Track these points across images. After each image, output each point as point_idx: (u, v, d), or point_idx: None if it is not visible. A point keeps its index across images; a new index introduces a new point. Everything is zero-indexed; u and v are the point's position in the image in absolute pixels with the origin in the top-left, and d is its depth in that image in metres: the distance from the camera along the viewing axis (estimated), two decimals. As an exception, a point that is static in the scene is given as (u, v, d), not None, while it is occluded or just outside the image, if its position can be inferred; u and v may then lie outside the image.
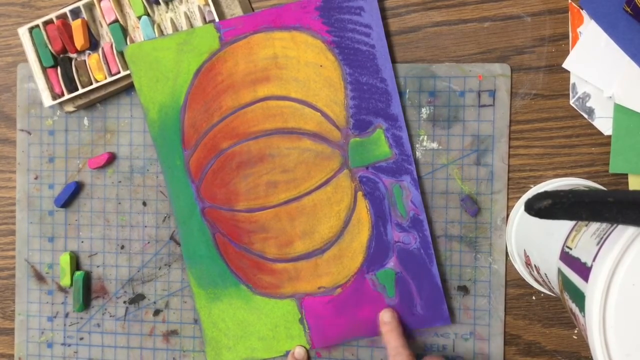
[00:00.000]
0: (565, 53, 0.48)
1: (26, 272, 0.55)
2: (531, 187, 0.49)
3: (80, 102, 0.53)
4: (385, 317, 0.49)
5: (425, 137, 0.50)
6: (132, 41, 0.51)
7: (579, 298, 0.33)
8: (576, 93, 0.48)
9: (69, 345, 0.55)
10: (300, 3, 0.49)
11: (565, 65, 0.48)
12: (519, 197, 0.49)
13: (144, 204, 0.54)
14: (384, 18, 0.50)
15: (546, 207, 0.31)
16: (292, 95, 0.50)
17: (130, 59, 0.51)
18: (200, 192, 0.52)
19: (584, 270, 0.33)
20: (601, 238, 0.33)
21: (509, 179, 0.49)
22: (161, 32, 0.51)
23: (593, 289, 0.31)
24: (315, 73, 0.50)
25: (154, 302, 0.54)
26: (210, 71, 0.51)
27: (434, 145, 0.50)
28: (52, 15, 0.51)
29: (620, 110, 0.47)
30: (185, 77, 0.51)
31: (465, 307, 0.50)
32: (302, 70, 0.50)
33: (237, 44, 0.50)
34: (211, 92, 0.51)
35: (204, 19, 0.51)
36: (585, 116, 0.48)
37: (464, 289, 0.50)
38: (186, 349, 0.54)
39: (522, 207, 0.33)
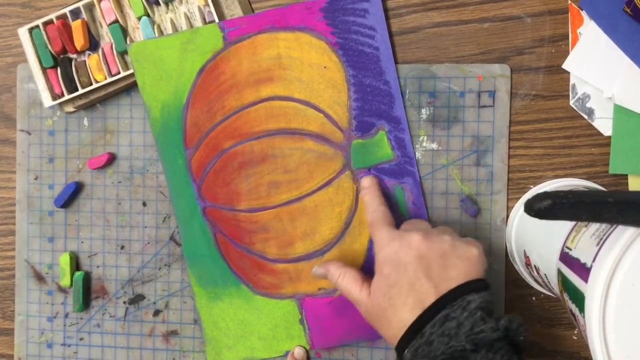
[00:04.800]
0: (565, 54, 0.48)
1: (26, 272, 0.55)
2: (531, 188, 0.49)
3: (80, 102, 0.53)
4: (365, 183, 0.48)
5: (425, 137, 0.50)
6: (132, 42, 0.51)
7: (579, 299, 0.33)
8: (576, 94, 0.48)
9: (69, 345, 0.55)
10: (305, 4, 0.49)
11: (565, 66, 0.48)
12: (519, 198, 0.49)
13: (144, 204, 0.54)
14: (385, 19, 0.50)
15: (546, 208, 0.31)
16: (295, 96, 0.50)
17: (134, 57, 0.51)
18: (202, 191, 0.52)
19: (583, 271, 0.33)
20: (601, 239, 0.33)
21: (508, 179, 0.50)
22: (161, 33, 0.51)
23: (593, 290, 0.31)
24: (319, 74, 0.50)
25: (154, 303, 0.54)
26: (214, 70, 0.51)
27: (434, 145, 0.50)
28: (52, 16, 0.51)
29: (620, 111, 0.47)
30: (188, 76, 0.51)
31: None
32: (306, 71, 0.50)
33: (241, 43, 0.50)
34: (214, 92, 0.51)
35: (204, 19, 0.51)
36: (585, 117, 0.48)
37: (463, 290, 0.50)
38: (186, 349, 0.54)
39: (522, 208, 0.33)
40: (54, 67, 0.52)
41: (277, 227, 0.51)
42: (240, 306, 0.52)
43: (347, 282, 0.44)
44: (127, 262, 0.54)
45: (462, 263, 0.39)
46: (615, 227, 0.32)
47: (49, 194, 0.55)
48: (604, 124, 0.48)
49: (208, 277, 0.52)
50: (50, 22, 0.52)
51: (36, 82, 0.52)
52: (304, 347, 0.52)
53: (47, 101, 0.52)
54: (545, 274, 0.42)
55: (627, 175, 0.48)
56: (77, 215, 0.55)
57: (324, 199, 0.50)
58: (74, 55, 0.53)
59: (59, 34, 0.51)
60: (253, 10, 0.52)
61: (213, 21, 0.50)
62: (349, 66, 0.49)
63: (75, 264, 0.55)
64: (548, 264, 0.40)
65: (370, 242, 0.50)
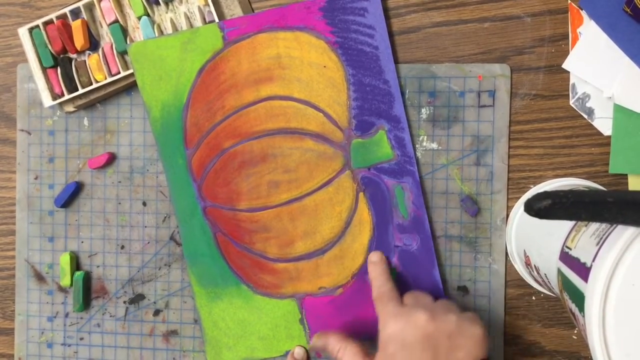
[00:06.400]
0: (565, 53, 0.48)
1: (26, 272, 0.55)
2: (531, 188, 0.49)
3: (80, 102, 0.53)
4: (374, 258, 0.48)
5: (425, 137, 0.50)
6: (132, 41, 0.51)
7: (579, 298, 0.33)
8: (576, 93, 0.48)
9: (69, 345, 0.55)
10: (305, 3, 0.49)
11: (565, 65, 0.48)
12: (519, 198, 0.49)
13: (144, 204, 0.54)
14: (384, 18, 0.50)
15: (546, 207, 0.31)
16: (295, 96, 0.50)
17: (134, 57, 0.51)
18: (202, 191, 0.52)
19: (583, 271, 0.33)
20: (601, 238, 0.33)
21: (508, 179, 0.50)
22: (161, 33, 0.52)
23: (592, 289, 0.31)
24: (319, 73, 0.50)
25: (154, 302, 0.54)
26: (214, 70, 0.51)
27: (434, 145, 0.50)
28: (52, 16, 0.51)
29: (620, 111, 0.47)
30: (188, 76, 0.51)
31: (465, 308, 0.50)
32: (306, 70, 0.50)
33: (240, 43, 0.50)
34: (214, 91, 0.51)
35: (204, 19, 0.51)
36: (585, 116, 0.48)
37: (464, 289, 0.50)
38: (186, 349, 0.54)
39: (522, 208, 0.33)
40: (54, 67, 0.52)
41: (277, 226, 0.51)
42: (241, 306, 0.52)
43: (348, 357, 0.43)
44: (127, 262, 0.54)
45: (468, 343, 0.39)
46: (615, 227, 0.32)
47: (49, 194, 0.55)
48: (603, 124, 0.48)
49: (208, 277, 0.52)
50: (50, 22, 0.52)
51: (36, 82, 0.52)
52: (304, 347, 0.52)
53: (47, 101, 0.52)
54: (545, 274, 0.42)
55: (627, 174, 0.48)
56: (77, 215, 0.55)
57: (324, 198, 0.50)
58: (74, 55, 0.53)
59: (59, 33, 0.51)
60: (253, 10, 0.52)
61: (213, 21, 0.50)
62: (349, 65, 0.49)
63: (76, 264, 0.55)
64: (548, 264, 0.40)
65: (371, 242, 0.50)
